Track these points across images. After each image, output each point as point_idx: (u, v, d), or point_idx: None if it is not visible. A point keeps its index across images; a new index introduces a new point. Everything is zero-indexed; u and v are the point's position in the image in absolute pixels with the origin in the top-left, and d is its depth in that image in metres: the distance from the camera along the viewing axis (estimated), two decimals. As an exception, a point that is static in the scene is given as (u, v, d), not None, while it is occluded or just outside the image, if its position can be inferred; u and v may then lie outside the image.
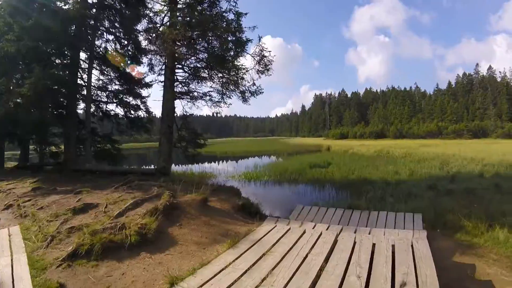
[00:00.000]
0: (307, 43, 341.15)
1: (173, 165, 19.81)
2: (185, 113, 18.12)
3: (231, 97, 17.48)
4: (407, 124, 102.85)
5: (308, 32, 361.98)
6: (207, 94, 17.62)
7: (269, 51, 15.84)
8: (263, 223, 7.80)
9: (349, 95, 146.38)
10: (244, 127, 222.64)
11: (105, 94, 19.19)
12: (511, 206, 10.16)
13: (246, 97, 16.92)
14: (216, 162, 40.74)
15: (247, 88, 16.68)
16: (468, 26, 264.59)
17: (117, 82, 19.17)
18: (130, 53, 18.16)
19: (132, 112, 19.65)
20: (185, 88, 17.53)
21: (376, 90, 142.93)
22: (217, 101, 17.77)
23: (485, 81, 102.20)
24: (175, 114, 17.25)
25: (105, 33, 17.46)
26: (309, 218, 9.59)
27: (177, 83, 16.87)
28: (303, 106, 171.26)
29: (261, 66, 15.85)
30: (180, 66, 16.50)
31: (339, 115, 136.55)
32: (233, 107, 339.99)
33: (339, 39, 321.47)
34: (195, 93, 17.55)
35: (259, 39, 15.75)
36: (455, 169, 21.91)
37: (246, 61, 16.09)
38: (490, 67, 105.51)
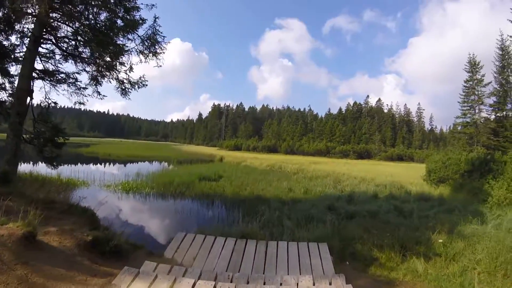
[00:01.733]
0: (215, 54, 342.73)
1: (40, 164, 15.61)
2: (47, 101, 14.24)
3: (101, 84, 14.21)
4: (299, 141, 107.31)
5: (218, 44, 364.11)
6: (71, 76, 14.03)
7: (164, 36, 13.40)
8: (114, 279, 5.13)
9: (246, 109, 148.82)
10: (137, 129, 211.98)
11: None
12: (420, 233, 9.47)
13: (126, 88, 13.98)
14: (96, 165, 36.18)
15: (127, 77, 13.81)
16: (364, 64, 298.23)
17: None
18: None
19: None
20: (51, 66, 13.85)
21: (273, 107, 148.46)
22: (82, 87, 14.33)
23: (373, 111, 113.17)
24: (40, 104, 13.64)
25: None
26: (190, 254, 7.37)
27: (41, 58, 13.26)
28: (200, 114, 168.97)
29: (150, 51, 13.27)
30: (48, 37, 12.93)
31: (235, 127, 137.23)
32: (127, 106, 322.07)
33: (245, 56, 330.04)
34: (59, 74, 13.77)
35: (155, 20, 13.09)
36: (348, 187, 21.73)
37: (130, 42, 12.91)
38: (379, 100, 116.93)
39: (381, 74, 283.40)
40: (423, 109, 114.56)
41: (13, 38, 13.40)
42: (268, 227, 10.59)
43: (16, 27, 12.79)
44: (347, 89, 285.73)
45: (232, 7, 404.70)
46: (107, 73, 13.62)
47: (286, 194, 18.20)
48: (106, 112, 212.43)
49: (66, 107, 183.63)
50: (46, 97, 14.15)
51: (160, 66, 13.80)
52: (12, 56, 13.75)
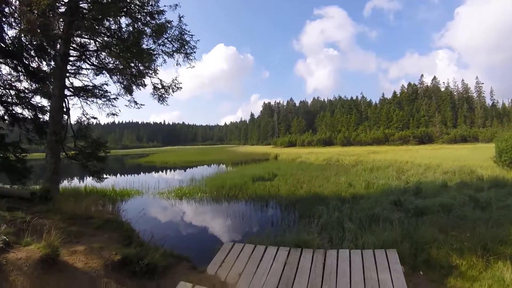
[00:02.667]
0: (259, 54, 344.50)
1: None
2: (85, 117, 14.03)
3: (131, 92, 13.79)
4: (354, 131, 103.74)
5: (260, 43, 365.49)
6: (100, 88, 13.70)
7: (192, 35, 12.66)
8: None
9: (297, 104, 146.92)
10: (192, 136, 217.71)
11: (12, 93, 14.00)
12: (504, 230, 7.88)
13: (161, 94, 13.40)
14: (152, 174, 36.75)
15: (160, 82, 13.21)
16: (412, 42, 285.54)
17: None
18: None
19: (41, 115, 14.60)
20: (84, 82, 13.69)
21: (323, 99, 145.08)
22: (113, 98, 14.00)
23: (430, 91, 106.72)
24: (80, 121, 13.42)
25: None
26: (236, 269, 6.40)
27: (74, 75, 13.06)
28: (252, 114, 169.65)
29: (180, 52, 12.54)
30: (76, 54, 12.65)
31: (287, 123, 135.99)
32: (182, 115, 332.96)
33: (289, 51, 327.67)
34: (92, 89, 13.50)
35: (180, 19, 12.39)
36: (413, 178, 19.85)
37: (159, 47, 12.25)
38: (434, 78, 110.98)
39: (431, 51, 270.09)
40: (482, 83, 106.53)
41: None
42: (327, 231, 9.43)
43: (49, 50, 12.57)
44: (398, 71, 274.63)
45: (269, 4, 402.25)
46: (139, 81, 13.07)
47: (346, 190, 16.79)
48: (162, 123, 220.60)
49: (124, 122, 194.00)
50: (83, 112, 13.89)
51: (193, 66, 13.30)
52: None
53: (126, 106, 14.00)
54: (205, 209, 15.66)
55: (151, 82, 13.29)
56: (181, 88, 13.57)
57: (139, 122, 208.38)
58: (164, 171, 40.85)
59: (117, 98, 13.71)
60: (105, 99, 13.73)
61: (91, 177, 14.25)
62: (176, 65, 12.95)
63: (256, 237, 8.70)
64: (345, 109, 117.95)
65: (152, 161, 56.84)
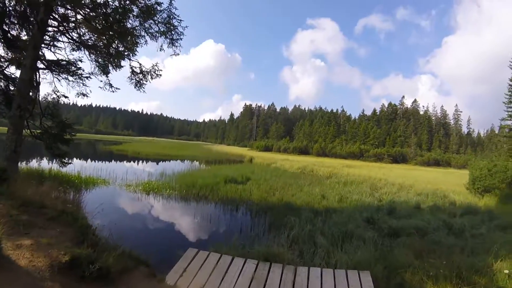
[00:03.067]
0: (247, 55, 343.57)
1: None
2: (55, 94, 13.13)
3: (107, 74, 12.98)
4: (331, 143, 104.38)
5: (250, 45, 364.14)
6: (73, 63, 12.76)
7: (181, 20, 12.09)
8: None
9: (278, 110, 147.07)
10: (169, 128, 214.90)
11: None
12: (478, 258, 7.68)
13: (139, 78, 12.70)
14: (122, 163, 35.68)
15: (139, 66, 12.52)
16: (398, 64, 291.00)
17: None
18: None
19: (13, 87, 13.44)
20: (55, 54, 12.69)
21: (305, 108, 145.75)
22: (85, 76, 13.11)
23: (409, 113, 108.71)
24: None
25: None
26: (199, 280, 5.87)
27: (49, 48, 12.16)
28: (231, 114, 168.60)
29: (166, 36, 11.92)
30: (56, 25, 11.79)
31: (266, 127, 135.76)
32: (161, 106, 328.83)
33: (277, 57, 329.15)
34: (67, 65, 12.56)
35: (170, 2, 11.73)
36: (387, 196, 19.78)
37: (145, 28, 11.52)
38: (415, 101, 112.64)
39: (415, 75, 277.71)
40: (461, 111, 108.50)
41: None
42: (298, 245, 9.04)
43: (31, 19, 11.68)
44: (381, 89, 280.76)
45: (264, 9, 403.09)
46: (117, 62, 12.30)
47: (319, 202, 16.42)
48: (140, 112, 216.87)
49: (101, 106, 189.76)
50: (54, 89, 12.98)
51: (178, 54, 12.58)
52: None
53: (101, 88, 13.13)
54: (172, 208, 14.99)
55: (130, 66, 12.54)
56: (160, 75, 12.86)
57: (117, 108, 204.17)
58: (135, 161, 39.81)
59: (90, 77, 12.84)
60: (77, 77, 12.81)
61: (55, 160, 13.30)
62: (160, 50, 12.29)
63: (222, 245, 8.12)
64: (324, 121, 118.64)
65: (124, 150, 55.54)
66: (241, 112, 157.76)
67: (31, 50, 10.83)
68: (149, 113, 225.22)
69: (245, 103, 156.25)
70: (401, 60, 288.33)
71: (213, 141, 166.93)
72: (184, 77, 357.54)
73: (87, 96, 13.48)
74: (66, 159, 13.39)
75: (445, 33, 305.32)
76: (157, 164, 38.16)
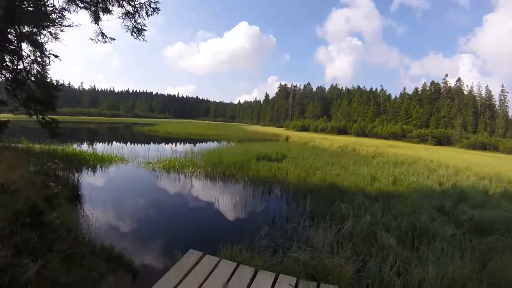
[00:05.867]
0: (282, 36, 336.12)
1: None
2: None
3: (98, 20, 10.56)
4: (371, 123, 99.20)
5: (284, 26, 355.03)
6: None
7: None
8: None
9: (314, 89, 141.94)
10: (205, 111, 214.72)
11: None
12: None
13: (134, 23, 10.21)
14: (149, 143, 33.82)
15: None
16: (437, 43, 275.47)
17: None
18: None
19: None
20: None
21: (342, 87, 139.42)
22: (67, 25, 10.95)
23: (452, 92, 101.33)
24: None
25: None
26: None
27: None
28: (266, 95, 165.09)
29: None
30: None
31: (302, 107, 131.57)
32: (197, 90, 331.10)
33: (312, 37, 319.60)
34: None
35: None
36: (445, 179, 16.36)
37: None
38: (459, 79, 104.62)
39: (455, 54, 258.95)
40: (507, 92, 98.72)
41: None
42: (354, 246, 6.31)
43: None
44: (420, 69, 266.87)
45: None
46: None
47: (370, 184, 13.31)
48: (176, 95, 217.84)
49: (138, 91, 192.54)
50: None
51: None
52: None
53: (92, 40, 10.82)
54: (190, 189, 12.48)
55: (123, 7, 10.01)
56: (158, 9, 10.22)
57: (153, 93, 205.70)
58: (164, 141, 37.75)
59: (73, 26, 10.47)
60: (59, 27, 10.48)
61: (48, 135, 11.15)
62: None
63: (241, 247, 5.47)
64: (363, 100, 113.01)
65: (156, 130, 54.10)
66: (276, 92, 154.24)
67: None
68: (185, 96, 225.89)
69: (280, 83, 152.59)
70: (440, 39, 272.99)
71: (249, 122, 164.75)
72: (219, 61, 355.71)
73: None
74: (55, 127, 11.15)
75: (485, 11, 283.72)
76: (186, 143, 35.88)
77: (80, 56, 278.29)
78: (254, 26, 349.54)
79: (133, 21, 10.48)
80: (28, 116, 11.04)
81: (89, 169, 15.10)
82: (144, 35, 11.03)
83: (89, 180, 12.77)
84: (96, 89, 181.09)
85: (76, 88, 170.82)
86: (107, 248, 5.62)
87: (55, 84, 11.55)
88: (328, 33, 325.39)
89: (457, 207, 9.76)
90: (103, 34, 11.16)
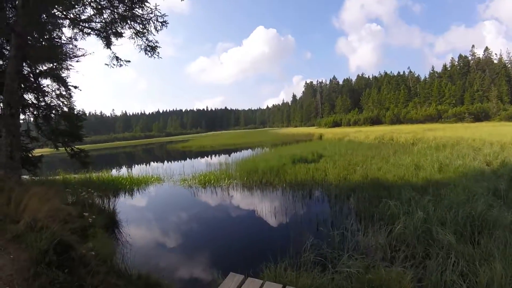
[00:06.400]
0: (299, 35, 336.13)
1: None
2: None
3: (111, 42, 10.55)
4: (404, 108, 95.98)
5: (300, 23, 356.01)
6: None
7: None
8: None
9: (340, 83, 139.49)
10: (235, 120, 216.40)
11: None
12: None
13: (146, 41, 10.05)
14: (184, 158, 34.19)
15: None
16: (457, 15, 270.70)
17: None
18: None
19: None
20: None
21: (368, 76, 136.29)
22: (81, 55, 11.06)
23: (482, 63, 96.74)
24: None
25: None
26: None
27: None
28: (294, 95, 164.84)
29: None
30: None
31: (331, 103, 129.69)
32: (225, 100, 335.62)
33: (329, 30, 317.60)
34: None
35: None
36: (493, 157, 15.36)
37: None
38: (486, 49, 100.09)
39: (477, 23, 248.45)
40: None
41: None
42: (410, 247, 5.77)
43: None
44: (445, 45, 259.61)
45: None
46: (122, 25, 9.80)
47: (414, 174, 12.49)
48: (204, 109, 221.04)
49: (167, 110, 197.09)
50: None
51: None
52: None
53: (107, 65, 10.80)
54: (228, 203, 12.11)
55: (132, 27, 9.89)
56: (166, 23, 10.03)
57: (183, 110, 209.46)
58: (198, 155, 37.87)
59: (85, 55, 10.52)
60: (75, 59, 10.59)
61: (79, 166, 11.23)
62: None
63: (285, 262, 5.04)
64: (392, 86, 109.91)
65: (189, 146, 54.50)
66: (303, 91, 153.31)
67: (14, 37, 8.56)
68: (213, 109, 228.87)
69: (305, 82, 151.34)
70: (459, 10, 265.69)
71: (280, 125, 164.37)
72: (242, 69, 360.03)
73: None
74: (85, 156, 11.18)
75: None
76: (220, 154, 35.73)
77: (108, 84, 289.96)
78: (270, 29, 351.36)
79: (144, 40, 10.40)
80: (55, 149, 11.18)
81: (126, 192, 15.14)
82: (158, 53, 11.03)
83: (126, 204, 12.88)
84: (128, 114, 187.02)
85: (108, 116, 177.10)
86: (144, 277, 5.33)
87: (78, 114, 11.59)
88: (345, 23, 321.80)
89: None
90: (117, 58, 11.21)
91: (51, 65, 11.61)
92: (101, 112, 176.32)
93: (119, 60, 11.30)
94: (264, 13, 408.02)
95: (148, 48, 10.73)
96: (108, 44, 10.75)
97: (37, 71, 11.43)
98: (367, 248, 6.03)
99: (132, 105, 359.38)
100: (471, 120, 76.94)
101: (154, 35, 10.73)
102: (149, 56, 11.03)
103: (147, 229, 9.61)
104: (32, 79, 11.50)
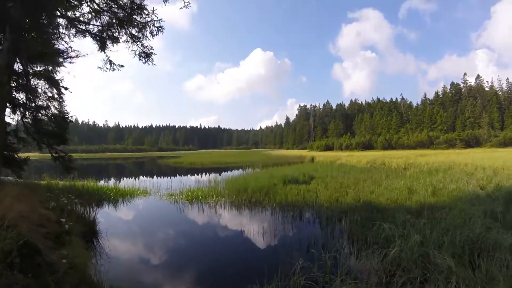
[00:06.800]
0: (296, 58, 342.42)
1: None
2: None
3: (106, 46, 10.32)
4: (396, 134, 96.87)
5: (297, 48, 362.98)
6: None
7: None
8: None
9: (333, 107, 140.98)
10: (228, 139, 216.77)
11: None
12: None
13: (142, 47, 9.84)
14: (172, 174, 33.59)
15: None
16: (450, 43, 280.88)
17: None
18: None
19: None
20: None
21: (361, 101, 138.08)
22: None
23: (474, 91, 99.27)
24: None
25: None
26: None
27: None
28: (287, 118, 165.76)
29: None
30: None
31: (324, 126, 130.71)
32: (218, 120, 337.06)
33: (325, 55, 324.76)
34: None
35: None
36: (487, 181, 15.26)
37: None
38: (478, 76, 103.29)
39: (470, 51, 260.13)
40: None
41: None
42: (406, 272, 5.40)
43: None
44: (437, 72, 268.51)
45: (303, 10, 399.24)
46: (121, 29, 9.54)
47: (408, 198, 12.20)
48: (198, 127, 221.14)
49: (161, 125, 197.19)
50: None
51: (189, 3, 9.41)
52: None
53: (100, 69, 10.56)
54: (214, 220, 11.57)
55: (128, 33, 9.64)
56: (162, 28, 9.89)
57: (176, 126, 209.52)
58: (188, 172, 37.24)
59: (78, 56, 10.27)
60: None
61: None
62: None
63: (280, 281, 4.68)
64: (385, 112, 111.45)
65: (180, 162, 54.10)
66: (296, 114, 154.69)
67: (8, 29, 8.28)
68: (207, 127, 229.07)
69: (299, 105, 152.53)
70: (452, 39, 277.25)
71: (272, 147, 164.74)
72: (238, 89, 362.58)
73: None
74: (69, 161, 10.80)
75: (492, 2, 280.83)
76: (210, 172, 35.11)
77: (104, 94, 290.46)
78: (268, 52, 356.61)
79: (139, 45, 10.15)
80: (39, 151, 10.81)
81: (110, 203, 14.78)
82: (153, 59, 10.81)
83: (108, 215, 12.51)
84: (121, 126, 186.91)
85: (101, 126, 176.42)
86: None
87: (66, 117, 11.22)
88: (341, 49, 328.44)
89: (510, 210, 8.79)
90: (111, 62, 10.96)
91: (45, 66, 11.34)
92: (93, 122, 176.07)
93: (112, 64, 11.07)
94: (262, 36, 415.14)
95: (142, 54, 10.52)
96: (103, 48, 10.52)
97: (31, 70, 11.17)
98: (361, 272, 5.65)
99: (125, 117, 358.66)
100: (463, 146, 78.28)
101: (149, 39, 10.48)
102: (143, 63, 10.90)
103: (126, 242, 9.13)
104: (25, 79, 11.23)
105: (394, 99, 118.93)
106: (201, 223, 11.42)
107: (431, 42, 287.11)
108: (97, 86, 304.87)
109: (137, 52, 10.42)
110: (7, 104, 10.20)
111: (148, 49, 10.44)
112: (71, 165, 11.62)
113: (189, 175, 32.65)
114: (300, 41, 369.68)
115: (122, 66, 11.32)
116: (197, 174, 33.27)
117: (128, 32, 10.18)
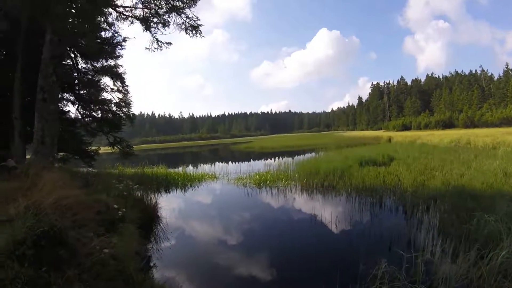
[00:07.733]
0: (364, 35, 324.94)
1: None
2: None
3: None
4: (478, 110, 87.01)
5: (364, 24, 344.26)
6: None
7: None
8: None
9: (409, 83, 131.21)
10: (299, 123, 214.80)
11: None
12: None
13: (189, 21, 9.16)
14: (244, 160, 33.46)
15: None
16: None
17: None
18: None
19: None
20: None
21: (439, 76, 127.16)
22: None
23: None
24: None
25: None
26: None
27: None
28: (359, 98, 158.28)
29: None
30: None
31: (399, 105, 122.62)
32: (289, 104, 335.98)
33: (394, 29, 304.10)
34: None
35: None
36: None
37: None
38: None
39: None
40: None
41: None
42: None
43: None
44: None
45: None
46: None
47: (504, 181, 10.22)
48: (269, 112, 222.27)
49: (233, 113, 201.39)
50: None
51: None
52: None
53: (148, 49, 10.21)
54: (282, 207, 10.85)
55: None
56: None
57: (247, 113, 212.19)
58: (259, 156, 37.03)
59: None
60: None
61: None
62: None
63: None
64: (465, 86, 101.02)
65: (251, 147, 54.22)
66: (369, 93, 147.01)
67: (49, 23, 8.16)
68: (277, 112, 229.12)
69: (371, 83, 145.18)
70: None
71: (345, 128, 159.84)
72: (306, 72, 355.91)
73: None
74: (127, 146, 10.90)
75: None
76: (280, 156, 34.32)
77: (176, 89, 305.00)
78: (334, 31, 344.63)
79: (183, 17, 9.51)
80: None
81: (178, 188, 14.92)
82: (201, 31, 10.09)
83: (174, 200, 12.55)
84: (195, 116, 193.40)
85: (176, 118, 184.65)
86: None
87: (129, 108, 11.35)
88: (410, 21, 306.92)
89: None
90: (158, 41, 10.53)
91: (107, 62, 11.59)
92: (169, 114, 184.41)
93: (159, 43, 10.68)
94: (327, 15, 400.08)
95: (189, 28, 9.87)
96: (148, 27, 10.13)
97: (92, 67, 11.46)
98: (459, 280, 4.28)
99: (198, 108, 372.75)
100: (555, 122, 68.08)
101: (193, 7, 9.83)
102: (191, 36, 10.32)
103: (186, 229, 8.84)
104: (90, 76, 11.51)
105: (473, 71, 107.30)
106: (268, 208, 10.83)
107: (507, 5, 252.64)
108: (169, 81, 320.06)
109: (182, 26, 9.86)
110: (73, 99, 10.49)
111: (194, 20, 9.78)
112: (129, 151, 11.75)
113: (259, 159, 32.34)
114: (366, 16, 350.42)
115: (170, 43, 11.03)
116: (268, 158, 32.75)
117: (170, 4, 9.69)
